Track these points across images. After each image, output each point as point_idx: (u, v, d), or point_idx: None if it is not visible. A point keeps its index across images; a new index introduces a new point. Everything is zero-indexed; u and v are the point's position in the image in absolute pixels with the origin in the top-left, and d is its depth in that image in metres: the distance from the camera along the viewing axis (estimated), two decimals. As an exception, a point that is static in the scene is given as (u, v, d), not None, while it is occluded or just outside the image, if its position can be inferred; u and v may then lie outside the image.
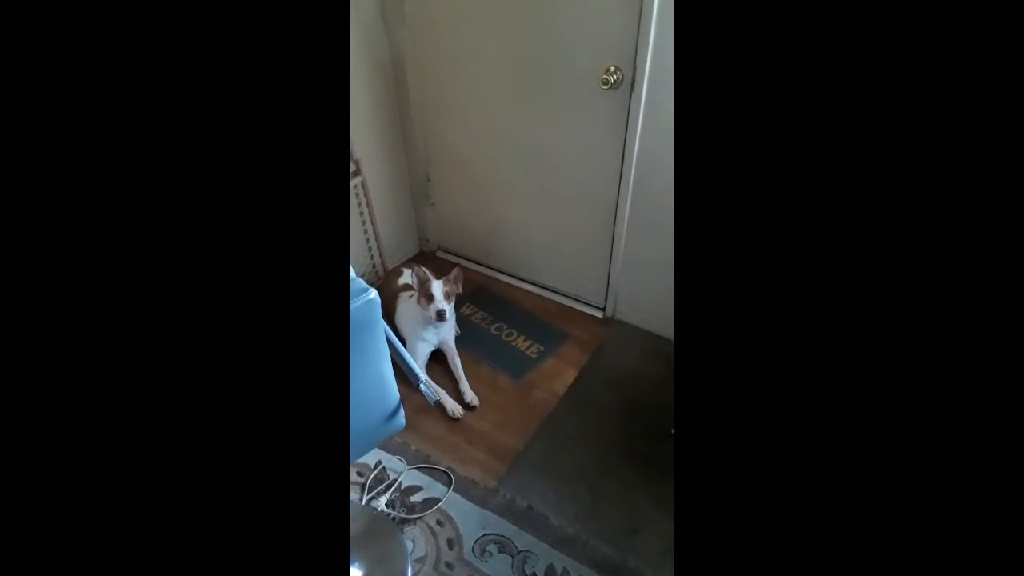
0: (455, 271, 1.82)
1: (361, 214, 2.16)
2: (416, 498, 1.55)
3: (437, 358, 1.96)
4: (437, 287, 1.75)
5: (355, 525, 1.47)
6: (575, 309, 2.24)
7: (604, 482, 1.58)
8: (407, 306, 1.89)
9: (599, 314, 2.20)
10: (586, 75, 1.69)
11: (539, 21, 1.71)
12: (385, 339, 0.92)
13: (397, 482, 1.59)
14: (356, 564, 1.38)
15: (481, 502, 1.53)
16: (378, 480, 1.60)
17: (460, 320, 2.12)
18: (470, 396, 1.83)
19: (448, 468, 1.62)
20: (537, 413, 1.80)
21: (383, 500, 1.54)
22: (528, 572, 1.38)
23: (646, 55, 1.56)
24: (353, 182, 2.06)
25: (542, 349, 2.05)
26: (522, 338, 2.10)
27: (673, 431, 1.67)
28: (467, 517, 1.50)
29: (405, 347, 1.22)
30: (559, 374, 1.95)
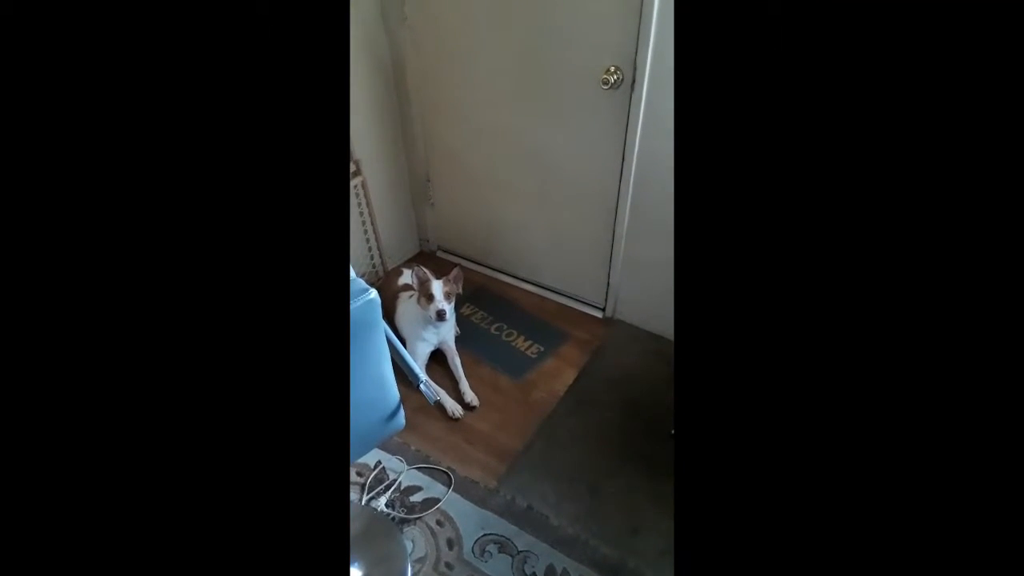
0: (455, 271, 1.82)
1: (361, 214, 2.16)
2: (416, 498, 1.55)
3: (437, 358, 1.96)
4: (437, 287, 1.75)
5: (355, 525, 1.47)
6: (575, 309, 2.24)
7: (604, 482, 1.58)
8: (407, 306, 1.89)
9: (599, 314, 2.20)
10: (586, 75, 1.69)
11: (539, 21, 1.71)
12: (385, 339, 0.92)
13: (397, 482, 1.59)
14: (356, 564, 1.38)
15: (481, 502, 1.53)
16: (378, 480, 1.60)
17: (460, 320, 2.12)
18: (470, 396, 1.83)
19: (448, 468, 1.62)
20: (537, 413, 1.80)
21: (383, 500, 1.54)
22: (528, 572, 1.37)
23: (646, 55, 1.56)
24: (353, 182, 2.06)
25: (542, 349, 2.05)
26: (522, 338, 2.10)
27: (673, 431, 1.67)
28: (467, 517, 1.50)
29: (405, 347, 1.22)
30: (559, 374, 1.95)
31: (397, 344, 1.03)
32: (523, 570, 1.38)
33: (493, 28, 1.81)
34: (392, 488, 1.57)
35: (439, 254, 2.57)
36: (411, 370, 1.11)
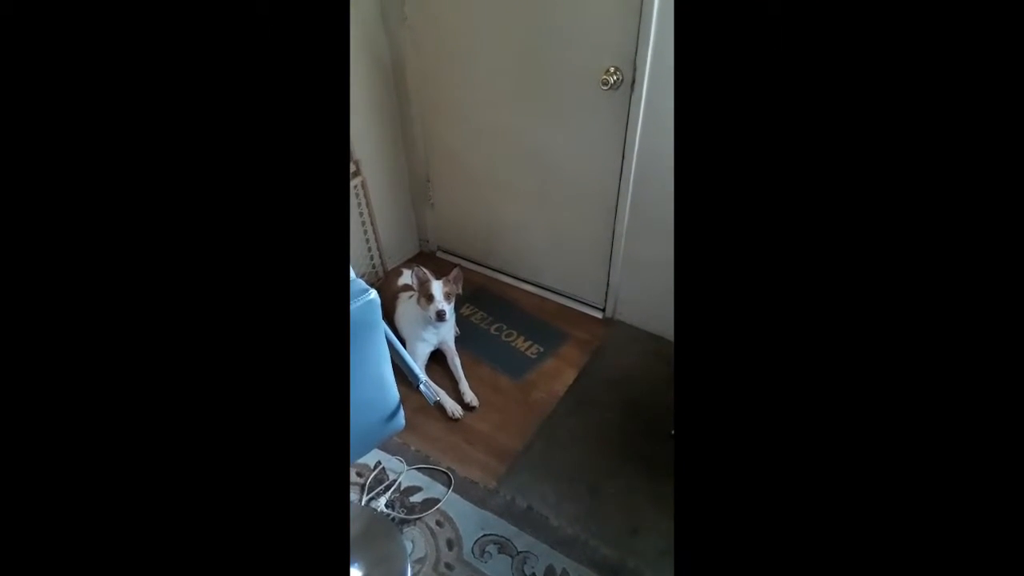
0: (455, 271, 1.82)
1: (361, 215, 2.16)
2: (416, 499, 1.55)
3: (437, 358, 1.96)
4: (437, 287, 1.75)
5: (355, 526, 1.47)
6: (575, 309, 2.24)
7: (604, 482, 1.58)
8: (407, 306, 1.89)
9: (599, 314, 2.20)
10: (586, 75, 1.69)
11: (539, 22, 1.71)
12: (385, 340, 0.92)
13: (397, 483, 1.59)
14: (356, 565, 1.38)
15: (481, 503, 1.53)
16: (378, 481, 1.60)
17: (460, 320, 2.12)
18: (470, 396, 1.83)
19: (448, 469, 1.62)
20: (537, 413, 1.80)
21: (383, 501, 1.54)
22: (528, 573, 1.37)
23: (646, 55, 1.56)
24: (353, 183, 2.06)
25: (542, 350, 2.05)
26: (522, 338, 2.10)
27: (673, 432, 1.67)
28: (467, 518, 1.50)
29: (405, 347, 1.22)
30: (559, 375, 1.95)
31: (397, 344, 1.03)
32: (523, 570, 1.38)
33: (493, 28, 1.81)
34: (392, 488, 1.57)
35: (439, 254, 2.57)
36: (411, 370, 1.11)
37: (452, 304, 1.79)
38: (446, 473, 1.61)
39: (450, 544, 1.44)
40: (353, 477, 1.60)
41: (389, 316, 1.92)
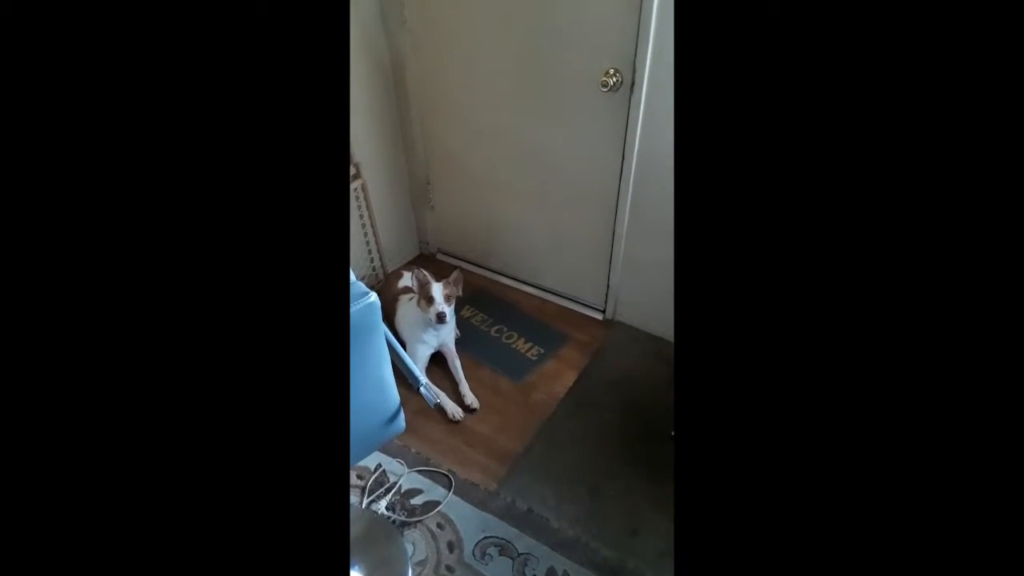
0: (455, 273, 1.82)
1: (361, 217, 2.17)
2: (416, 501, 1.55)
3: (437, 361, 1.96)
4: (437, 290, 1.75)
5: (355, 528, 1.47)
6: (575, 311, 2.24)
7: (604, 484, 1.58)
8: (407, 309, 1.89)
9: (599, 316, 2.20)
10: (586, 77, 1.70)
11: (539, 24, 1.71)
12: (385, 342, 0.92)
13: (397, 485, 1.59)
14: (356, 567, 1.38)
15: (481, 505, 1.53)
16: (378, 483, 1.59)
17: (460, 322, 2.12)
18: (470, 399, 1.83)
19: (448, 471, 1.62)
20: (537, 415, 1.80)
21: (383, 503, 1.54)
22: (528, 575, 1.37)
23: (645, 57, 1.56)
24: (353, 185, 2.06)
25: (542, 351, 2.05)
26: (522, 340, 2.10)
27: (673, 433, 1.67)
28: (467, 520, 1.50)
29: (405, 350, 1.22)
30: (559, 376, 1.95)
31: (397, 347, 1.03)
32: (523, 573, 1.38)
33: (492, 30, 1.81)
34: (392, 491, 1.57)
35: (439, 256, 2.57)
36: (411, 373, 1.11)
37: (452, 306, 1.79)
38: (447, 475, 1.61)
39: (451, 546, 1.44)
40: (353, 480, 1.60)
41: (389, 318, 1.92)
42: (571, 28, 1.66)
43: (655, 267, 1.92)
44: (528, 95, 1.86)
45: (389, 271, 2.32)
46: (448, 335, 1.94)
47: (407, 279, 1.97)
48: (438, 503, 1.53)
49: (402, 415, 1.03)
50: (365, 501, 1.55)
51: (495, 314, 2.23)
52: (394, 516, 1.51)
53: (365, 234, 2.21)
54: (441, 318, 1.74)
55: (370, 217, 2.18)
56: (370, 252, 2.27)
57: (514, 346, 2.08)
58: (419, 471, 1.62)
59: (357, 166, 2.05)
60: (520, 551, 1.42)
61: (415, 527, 1.48)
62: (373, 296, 0.81)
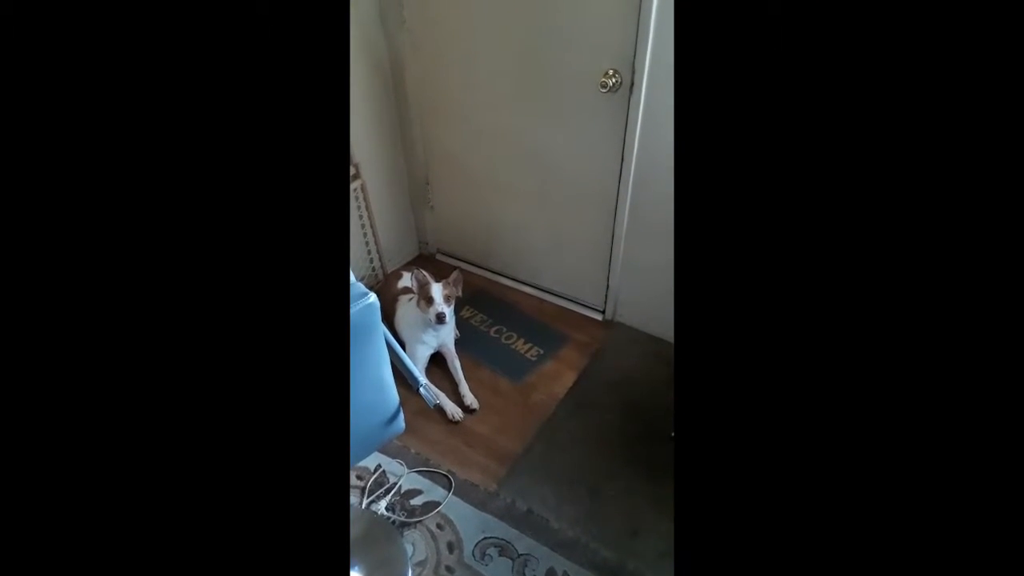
0: (454, 274, 1.82)
1: (360, 217, 2.17)
2: (416, 501, 1.55)
3: (436, 361, 1.96)
4: (436, 290, 1.75)
5: (355, 529, 1.47)
6: (575, 312, 2.24)
7: (604, 485, 1.58)
8: (407, 309, 1.89)
9: (599, 316, 2.20)
10: (585, 78, 1.70)
11: (538, 24, 1.71)
12: (384, 343, 0.92)
13: (397, 486, 1.59)
14: (356, 568, 1.38)
15: (481, 505, 1.53)
16: (378, 484, 1.59)
17: (459, 323, 2.12)
18: (470, 399, 1.83)
19: (448, 471, 1.62)
20: (537, 416, 1.80)
21: (383, 504, 1.54)
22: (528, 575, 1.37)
23: (645, 58, 1.56)
24: (352, 185, 2.06)
25: (542, 352, 2.05)
26: (522, 341, 2.10)
27: (673, 434, 1.67)
28: (467, 520, 1.50)
29: (405, 350, 1.22)
30: (559, 377, 1.95)
31: (396, 347, 1.03)
32: (523, 573, 1.38)
33: (492, 31, 1.81)
34: (392, 491, 1.57)
35: (438, 257, 2.57)
36: (411, 373, 1.11)
37: (452, 307, 1.79)
38: (446, 476, 1.60)
39: (451, 547, 1.44)
40: (353, 480, 1.60)
41: (389, 319, 1.92)
42: (570, 29, 1.66)
43: (654, 267, 1.92)
44: (527, 95, 1.86)
45: (388, 271, 2.32)
46: (448, 335, 1.93)
47: (406, 279, 1.97)
48: (438, 504, 1.53)
49: (401, 416, 1.03)
50: (365, 502, 1.55)
51: (495, 315, 2.23)
52: (394, 516, 1.51)
53: (364, 234, 2.21)
54: (440, 318, 1.74)
55: (369, 217, 2.18)
56: (369, 252, 2.27)
57: (514, 347, 2.08)
58: (419, 472, 1.62)
59: (356, 166, 2.05)
60: (520, 552, 1.42)
61: (415, 528, 1.48)
62: (372, 297, 0.81)
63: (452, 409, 1.79)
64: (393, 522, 1.50)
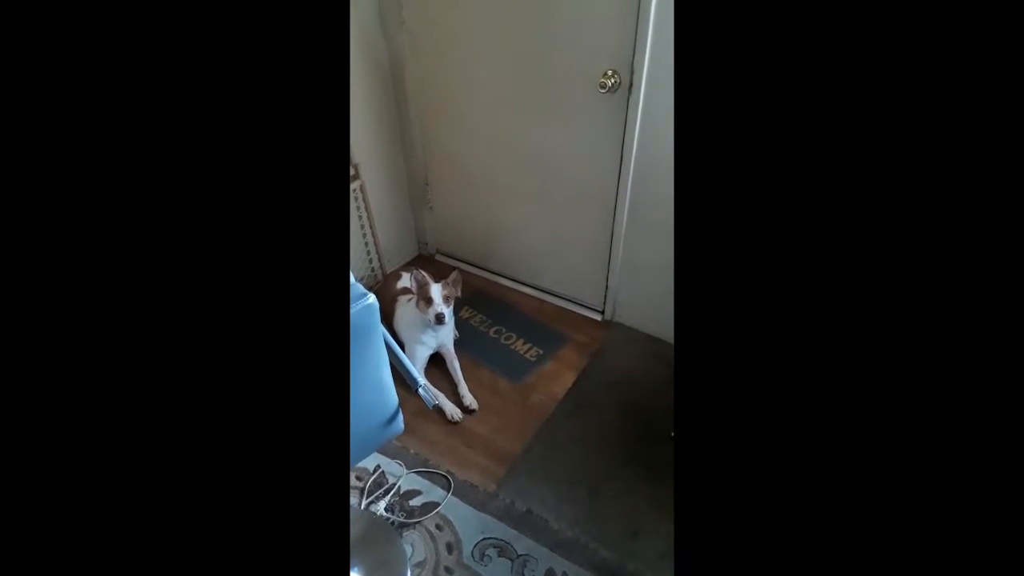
0: (454, 274, 1.82)
1: (360, 218, 2.17)
2: (415, 502, 1.55)
3: (436, 362, 1.96)
4: (436, 291, 1.75)
5: (354, 530, 1.47)
6: (574, 312, 2.24)
7: (603, 485, 1.58)
8: (406, 310, 1.89)
9: (598, 317, 2.20)
10: (584, 79, 1.70)
11: (537, 26, 1.71)
12: (384, 343, 0.92)
13: (396, 486, 1.59)
14: (356, 569, 1.38)
15: (480, 506, 1.53)
16: (377, 484, 1.59)
17: (459, 323, 2.12)
18: (469, 399, 1.83)
19: (447, 472, 1.61)
20: (536, 416, 1.80)
21: (382, 504, 1.53)
22: (528, 576, 1.37)
23: (643, 59, 1.56)
24: (352, 186, 2.06)
25: (541, 352, 2.05)
26: (521, 341, 2.10)
27: (673, 434, 1.67)
28: (466, 521, 1.49)
29: (404, 351, 1.22)
30: (558, 377, 1.95)
31: (396, 348, 1.03)
32: (523, 574, 1.38)
33: (491, 32, 1.81)
34: (391, 492, 1.57)
35: (438, 257, 2.57)
36: (410, 374, 1.11)
37: (451, 307, 1.79)
38: (445, 476, 1.60)
39: (450, 548, 1.44)
40: (353, 481, 1.60)
41: (388, 319, 1.92)
42: (569, 29, 1.66)
43: (654, 268, 1.92)
44: (527, 96, 1.86)
45: (388, 272, 2.32)
46: (447, 336, 1.93)
47: (406, 280, 1.97)
48: (437, 504, 1.53)
49: (401, 416, 1.03)
50: (364, 502, 1.55)
51: (494, 315, 2.23)
52: (393, 517, 1.51)
53: (364, 235, 2.21)
54: (440, 319, 1.74)
55: (369, 218, 2.18)
56: (369, 253, 2.27)
57: (513, 347, 2.08)
58: (418, 472, 1.62)
59: (356, 167, 2.05)
60: (519, 552, 1.42)
61: (414, 528, 1.48)
62: (372, 297, 0.81)
63: (451, 410, 1.79)
64: (392, 523, 1.49)
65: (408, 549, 1.43)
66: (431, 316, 1.74)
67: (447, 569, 1.39)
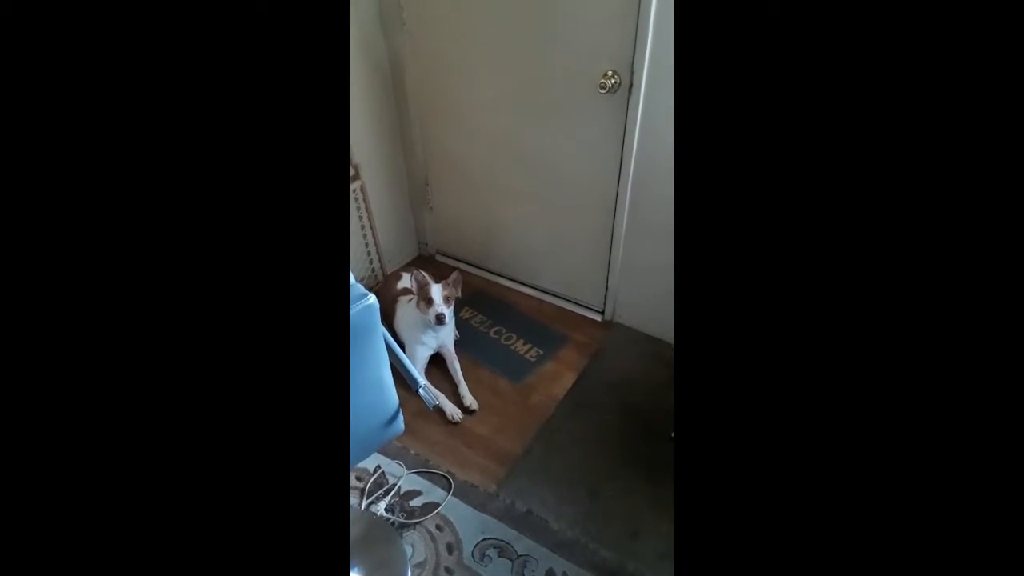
0: (454, 275, 1.82)
1: (360, 218, 2.17)
2: (415, 502, 1.55)
3: (436, 362, 1.96)
4: (436, 291, 1.75)
5: (354, 530, 1.47)
6: (574, 312, 2.24)
7: (603, 485, 1.58)
8: (406, 310, 1.89)
9: (598, 317, 2.20)
10: (584, 80, 1.70)
11: (537, 26, 1.71)
12: (384, 344, 0.92)
13: (396, 487, 1.59)
14: (356, 569, 1.38)
15: (480, 506, 1.53)
16: (377, 485, 1.59)
17: (459, 324, 2.12)
18: (469, 400, 1.83)
19: (447, 472, 1.61)
20: (536, 417, 1.80)
21: (382, 505, 1.53)
22: (528, 576, 1.37)
23: (643, 59, 1.56)
24: (352, 186, 2.06)
25: (541, 353, 2.05)
26: (521, 342, 2.10)
27: (673, 434, 1.67)
28: (466, 521, 1.49)
29: (404, 351, 1.22)
30: (558, 378, 1.95)
31: (396, 348, 1.03)
32: (523, 574, 1.38)
33: (491, 33, 1.81)
34: (392, 492, 1.57)
35: (438, 258, 2.57)
36: (410, 374, 1.11)
37: (451, 307, 1.79)
38: (446, 477, 1.60)
39: (450, 548, 1.44)
40: (353, 481, 1.60)
41: (388, 320, 1.92)
42: (569, 30, 1.66)
43: (654, 268, 1.92)
44: (527, 96, 1.86)
45: (388, 272, 2.32)
46: (447, 336, 1.93)
47: (406, 280, 1.97)
48: (437, 505, 1.53)
49: (401, 416, 1.03)
50: (364, 503, 1.55)
51: (494, 315, 2.23)
52: (393, 518, 1.51)
53: (364, 235, 2.21)
54: (440, 319, 1.74)
55: (369, 218, 2.18)
56: (369, 253, 2.27)
57: (513, 347, 2.08)
58: (418, 473, 1.62)
59: (356, 167, 2.05)
60: (519, 553, 1.42)
61: (414, 529, 1.48)
62: (372, 298, 0.81)
63: (451, 410, 1.79)
64: (392, 523, 1.50)
65: (408, 549, 1.43)
66: (431, 316, 1.74)
67: (447, 570, 1.39)
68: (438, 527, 1.48)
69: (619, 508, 1.52)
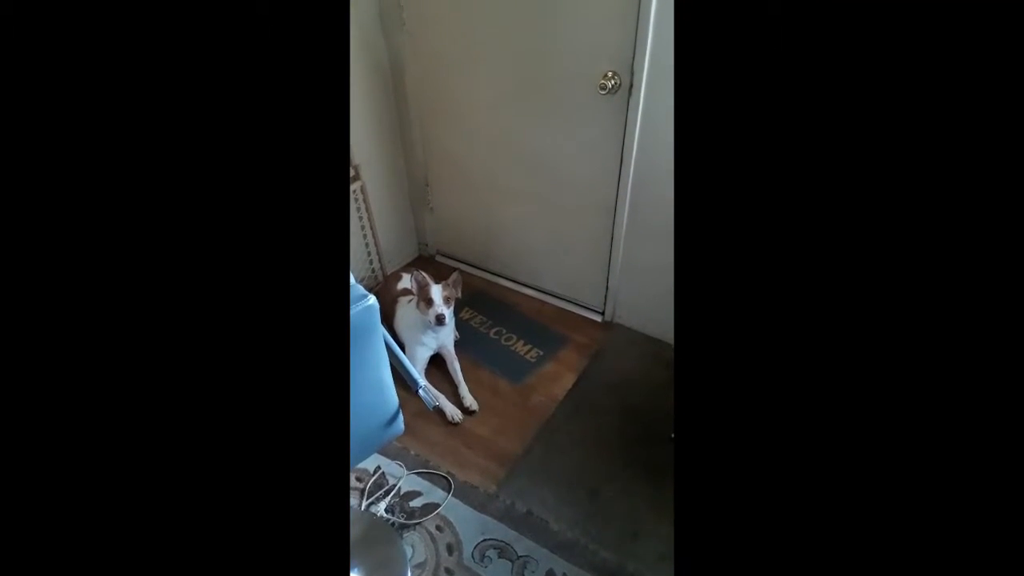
0: (454, 275, 1.82)
1: (360, 219, 2.17)
2: (415, 503, 1.55)
3: (436, 363, 1.96)
4: (436, 291, 1.75)
5: (354, 531, 1.47)
6: (574, 313, 2.24)
7: (603, 486, 1.58)
8: (406, 311, 1.89)
9: (598, 318, 2.20)
10: (584, 80, 1.70)
11: (537, 27, 1.71)
12: (384, 344, 0.92)
13: (396, 487, 1.58)
14: (356, 570, 1.38)
15: (480, 507, 1.53)
16: (377, 485, 1.59)
17: (459, 324, 2.12)
18: (469, 401, 1.83)
19: (447, 473, 1.61)
20: (536, 417, 1.80)
21: (382, 505, 1.53)
22: (528, 577, 1.37)
23: (643, 60, 1.56)
24: (352, 187, 2.06)
25: (541, 353, 2.05)
26: (521, 342, 2.10)
27: (673, 436, 1.67)
28: (466, 522, 1.49)
29: (404, 352, 1.22)
30: (558, 378, 1.95)
31: (396, 349, 1.03)
32: (523, 575, 1.37)
33: (491, 33, 1.82)
34: (391, 493, 1.57)
35: (438, 258, 2.57)
36: (410, 375, 1.11)
37: (451, 308, 1.79)
38: (446, 477, 1.60)
39: (450, 549, 1.44)
40: (353, 482, 1.59)
41: (388, 320, 1.92)
42: (569, 30, 1.66)
43: (654, 269, 1.92)
44: (527, 97, 1.86)
45: (388, 273, 2.32)
46: (447, 337, 1.93)
47: (406, 281, 1.97)
48: (437, 505, 1.53)
49: (401, 417, 1.03)
50: (364, 503, 1.54)
51: (494, 316, 2.23)
52: (393, 518, 1.51)
53: (364, 236, 2.21)
54: (440, 320, 1.73)
55: (369, 219, 2.18)
56: (369, 254, 2.27)
57: (513, 348, 2.08)
58: (418, 473, 1.62)
59: (356, 168, 2.05)
60: (519, 553, 1.42)
61: (414, 529, 1.48)
62: (372, 299, 0.81)
63: (451, 411, 1.79)
64: (392, 524, 1.49)
65: (408, 550, 1.43)
66: (431, 317, 1.74)
67: (447, 570, 1.39)
68: (438, 528, 1.48)
69: (619, 509, 1.52)
